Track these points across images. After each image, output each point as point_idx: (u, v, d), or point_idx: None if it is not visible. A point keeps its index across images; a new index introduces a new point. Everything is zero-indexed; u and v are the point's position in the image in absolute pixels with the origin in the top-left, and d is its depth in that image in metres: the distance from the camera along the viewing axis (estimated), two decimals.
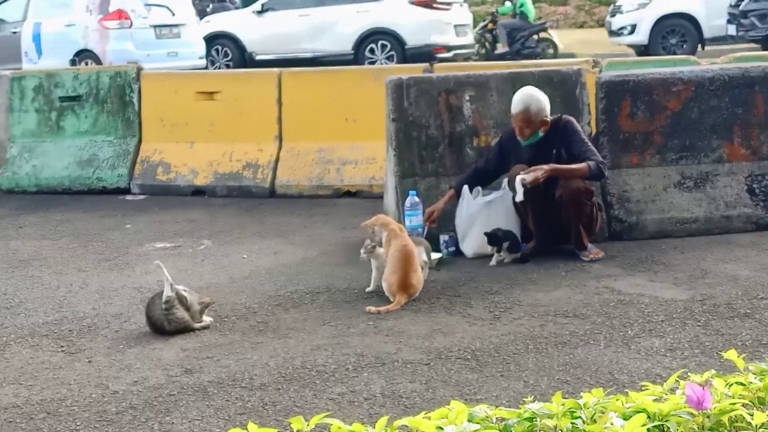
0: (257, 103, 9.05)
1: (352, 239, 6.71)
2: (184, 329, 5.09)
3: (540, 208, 6.32)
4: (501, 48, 20.18)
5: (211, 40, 19.81)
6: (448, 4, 19.37)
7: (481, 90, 7.03)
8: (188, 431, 3.93)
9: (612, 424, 1.80)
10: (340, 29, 19.08)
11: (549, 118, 6.39)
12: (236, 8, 24.05)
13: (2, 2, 19.25)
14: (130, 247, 7.16)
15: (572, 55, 19.69)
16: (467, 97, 7.01)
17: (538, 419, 1.88)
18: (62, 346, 5.02)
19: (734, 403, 1.85)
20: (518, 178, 6.08)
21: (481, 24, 21.73)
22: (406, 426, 1.83)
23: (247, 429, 1.81)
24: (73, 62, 16.94)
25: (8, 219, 8.39)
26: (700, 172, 7.00)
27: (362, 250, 5.72)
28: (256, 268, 6.43)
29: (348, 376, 4.42)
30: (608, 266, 6.14)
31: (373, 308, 5.35)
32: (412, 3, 18.99)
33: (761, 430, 1.78)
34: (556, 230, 6.39)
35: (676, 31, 19.24)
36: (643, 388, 2.02)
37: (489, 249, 6.30)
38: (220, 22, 20.71)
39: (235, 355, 4.77)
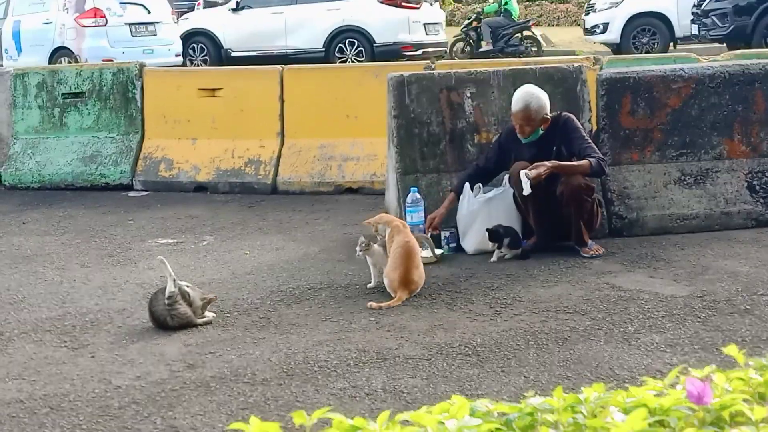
0: (259, 99, 9.06)
1: (354, 235, 6.71)
2: (186, 325, 5.11)
3: (541, 204, 6.33)
4: (485, 46, 20.30)
5: (189, 37, 20.17)
6: (417, 2, 19.56)
7: (482, 87, 7.04)
8: (191, 426, 3.95)
9: (612, 418, 1.81)
10: (311, 27, 19.32)
11: (549, 116, 6.40)
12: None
13: None
14: (133, 243, 7.18)
15: (555, 53, 19.76)
16: (468, 94, 7.02)
17: (539, 414, 1.89)
18: (65, 342, 5.04)
19: (734, 398, 1.86)
20: (522, 172, 6.09)
21: (466, 22, 21.84)
22: (408, 420, 1.84)
23: (249, 424, 1.82)
24: (50, 60, 17.23)
25: (11, 215, 8.41)
26: (700, 168, 7.01)
27: (357, 248, 5.74)
28: (258, 264, 6.45)
29: (350, 372, 4.44)
30: (608, 262, 6.15)
31: (374, 304, 5.37)
32: (381, 2, 19.20)
33: (761, 424, 1.79)
34: (556, 227, 6.41)
35: (648, 30, 19.29)
36: (643, 384, 2.03)
37: (490, 245, 6.31)
38: (198, 19, 21.01)
39: (238, 350, 4.79)
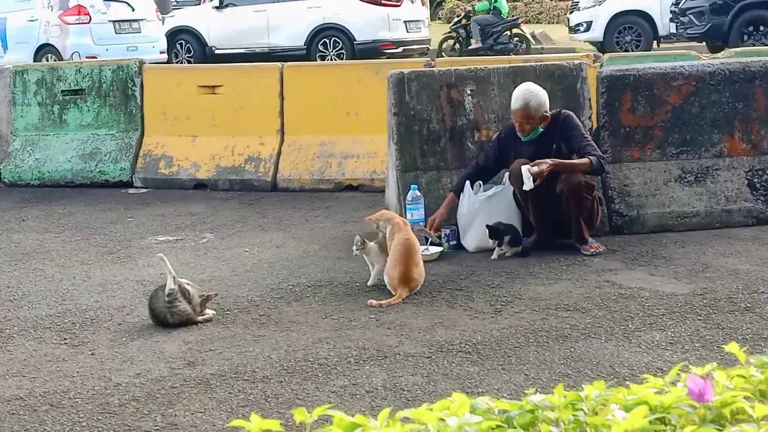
0: (259, 96, 9.06)
1: (354, 233, 6.70)
2: (186, 322, 5.11)
3: (541, 202, 6.33)
4: (474, 43, 20.39)
5: (175, 34, 20.43)
6: (398, 0, 19.65)
7: (483, 84, 7.04)
8: (191, 423, 3.95)
9: (613, 416, 1.80)
10: (293, 25, 19.48)
11: (549, 114, 6.39)
12: None
13: None
14: (133, 241, 7.18)
15: (556, 50, 19.79)
16: (468, 91, 7.01)
17: (540, 411, 1.88)
18: (65, 339, 5.04)
19: (736, 396, 1.86)
20: (524, 167, 6.08)
21: (455, 20, 21.94)
22: (409, 418, 1.84)
23: (249, 421, 1.82)
24: (35, 57, 17.44)
25: (11, 212, 8.41)
26: (700, 166, 7.00)
27: (354, 247, 5.73)
28: (258, 261, 6.45)
29: (350, 369, 4.44)
30: (609, 260, 6.15)
31: (374, 301, 5.37)
32: (362, 0, 19.28)
33: (762, 422, 1.79)
34: (557, 224, 6.40)
35: (631, 28, 19.34)
36: (644, 381, 2.03)
37: (490, 242, 6.31)
38: (183, 17, 21.24)
39: (238, 347, 4.79)
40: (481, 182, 6.61)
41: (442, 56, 19.34)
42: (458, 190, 6.58)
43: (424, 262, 5.75)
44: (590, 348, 4.60)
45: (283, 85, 9.00)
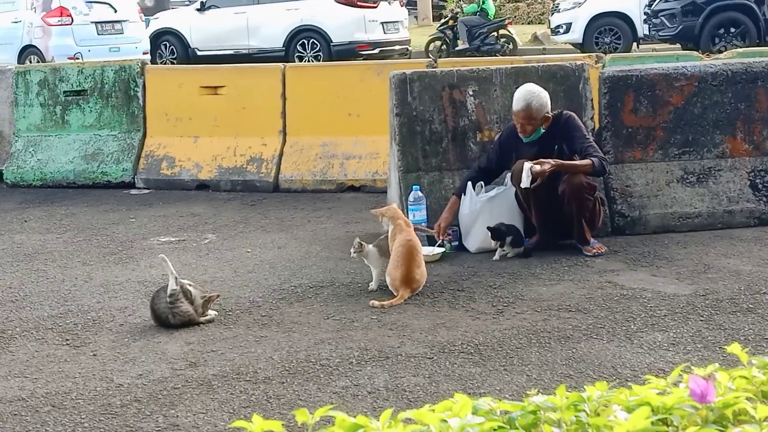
0: (261, 97, 9.06)
1: (356, 234, 6.71)
2: (188, 323, 5.11)
3: (543, 203, 6.32)
4: (461, 44, 20.49)
5: (159, 36, 20.69)
6: (375, 2, 19.79)
7: (485, 85, 7.04)
8: (192, 424, 3.95)
9: (615, 417, 1.80)
10: (272, 27, 19.64)
11: (550, 114, 6.39)
12: None
13: None
14: (135, 241, 7.18)
15: (543, 51, 19.85)
16: (471, 92, 7.01)
17: (542, 412, 1.88)
18: (67, 340, 5.04)
19: (738, 397, 1.85)
20: (527, 165, 6.07)
21: (442, 21, 22.06)
22: (411, 419, 1.84)
23: (251, 422, 1.82)
24: (19, 58, 17.69)
25: (13, 213, 8.41)
26: (702, 167, 7.00)
27: (351, 249, 5.73)
28: (260, 262, 6.45)
29: (352, 370, 4.44)
30: (611, 261, 6.15)
31: (376, 302, 5.37)
32: (337, 1, 19.46)
33: (765, 423, 1.78)
34: (558, 225, 6.40)
35: (611, 30, 19.41)
36: (646, 382, 2.03)
37: (492, 244, 6.31)
38: (167, 19, 21.44)
39: (240, 348, 4.79)
40: (482, 183, 6.61)
41: (429, 57, 19.45)
42: (460, 193, 6.57)
43: (426, 263, 5.74)
44: (592, 349, 4.60)
45: (285, 86, 9.00)
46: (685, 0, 17.00)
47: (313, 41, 19.42)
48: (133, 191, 9.14)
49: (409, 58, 19.59)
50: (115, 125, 9.47)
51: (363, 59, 17.26)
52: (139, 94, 9.38)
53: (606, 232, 6.72)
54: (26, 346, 4.98)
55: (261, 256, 6.59)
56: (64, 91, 9.59)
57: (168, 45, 20.76)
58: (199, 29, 20.42)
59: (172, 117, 9.33)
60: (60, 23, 18.04)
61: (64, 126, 9.60)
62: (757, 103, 7.06)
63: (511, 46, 20.33)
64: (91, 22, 18.38)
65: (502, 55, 18.85)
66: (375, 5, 19.73)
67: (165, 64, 19.88)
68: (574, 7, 19.86)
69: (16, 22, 18.30)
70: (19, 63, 17.11)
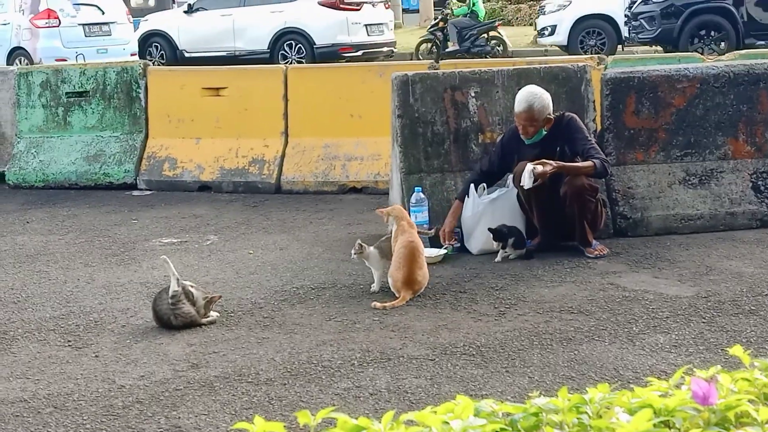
0: (263, 99, 9.06)
1: (358, 235, 6.71)
2: (190, 324, 5.11)
3: (545, 204, 6.32)
4: (451, 46, 20.59)
5: (148, 38, 20.99)
6: (358, 4, 19.94)
7: (487, 86, 7.04)
8: (194, 426, 3.95)
9: (618, 419, 1.80)
10: (257, 29, 19.83)
11: (552, 116, 6.39)
12: None
13: None
14: (137, 243, 7.18)
15: (545, 53, 19.89)
16: (472, 94, 7.01)
17: (544, 414, 1.88)
18: (69, 341, 5.04)
19: (740, 399, 1.85)
20: (529, 166, 6.08)
21: (433, 23, 22.17)
22: (413, 421, 1.84)
23: (253, 423, 1.81)
24: (8, 60, 17.92)
25: (15, 214, 8.42)
26: (704, 168, 7.00)
27: (352, 251, 5.73)
28: (262, 263, 6.45)
29: (353, 372, 4.44)
30: (613, 263, 6.14)
31: (378, 304, 5.37)
32: (321, 4, 19.61)
33: (767, 425, 1.78)
34: (560, 227, 6.40)
35: (595, 32, 19.47)
36: (648, 384, 2.03)
37: (494, 245, 6.30)
38: (156, 21, 21.68)
39: (241, 350, 4.79)
40: (485, 185, 6.60)
41: (419, 59, 19.63)
42: (463, 197, 6.57)
43: (428, 264, 5.74)
44: (594, 351, 4.60)
45: (287, 88, 9.00)
46: (664, 3, 17.10)
47: (297, 43, 19.60)
48: (135, 192, 9.14)
49: (392, 58, 19.82)
50: (117, 126, 9.48)
51: (346, 61, 17.39)
52: (141, 96, 9.38)
53: (608, 233, 6.72)
54: (28, 347, 4.98)
55: (263, 258, 6.59)
56: (66, 93, 9.59)
57: (157, 47, 20.99)
58: (187, 31, 20.63)
59: (174, 118, 9.33)
60: (47, 25, 18.26)
61: (66, 127, 9.60)
62: (759, 105, 7.06)
63: (501, 48, 20.43)
64: (79, 24, 18.60)
65: (492, 57, 18.95)
66: (358, 8, 19.91)
67: (154, 65, 20.09)
68: (559, 10, 19.96)
69: (4, 24, 18.54)
70: (7, 65, 17.25)
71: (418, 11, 30.96)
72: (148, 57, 20.39)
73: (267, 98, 9.05)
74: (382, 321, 5.14)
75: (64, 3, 18.53)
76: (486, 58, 18.44)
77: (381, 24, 20.42)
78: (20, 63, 17.63)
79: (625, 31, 18.35)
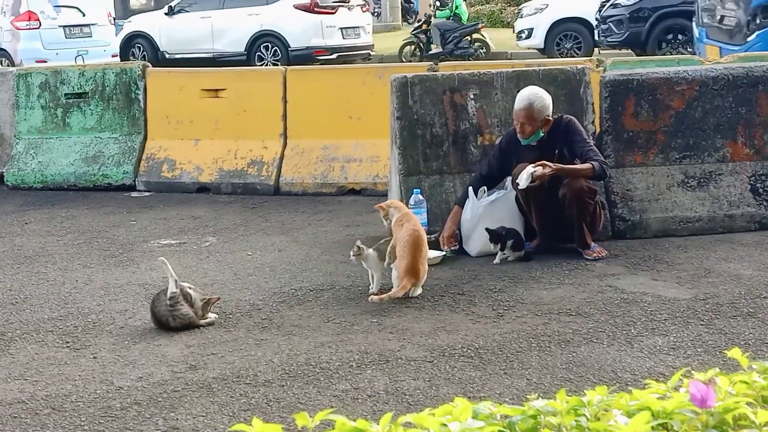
0: (262, 100, 9.06)
1: (357, 237, 6.71)
2: (188, 325, 5.11)
3: (543, 206, 6.33)
4: (434, 48, 20.71)
5: (131, 39, 21.24)
6: (333, 8, 20.10)
7: (486, 88, 7.04)
8: (193, 427, 3.95)
9: (616, 421, 1.80)
10: (234, 31, 20.04)
11: (551, 118, 6.39)
12: None
13: None
14: (135, 244, 7.18)
15: (504, 55, 19.99)
16: (471, 96, 7.01)
17: (542, 416, 1.88)
18: (67, 342, 5.04)
19: (738, 402, 1.85)
20: (530, 167, 6.08)
21: (416, 25, 22.30)
22: (411, 423, 1.84)
23: (251, 425, 1.81)
24: None
25: (14, 215, 8.41)
26: (703, 171, 7.00)
27: (351, 252, 5.73)
28: (261, 265, 6.45)
29: (352, 373, 4.44)
30: (611, 265, 6.14)
31: (376, 297, 5.38)
32: (296, 7, 19.78)
33: (765, 428, 1.78)
34: (559, 229, 6.40)
35: (572, 36, 19.56)
36: (646, 387, 2.03)
37: (492, 247, 6.30)
38: (139, 22, 21.95)
39: (240, 351, 4.79)
40: (485, 188, 6.61)
41: (402, 61, 19.71)
42: (463, 202, 6.57)
43: (429, 265, 5.74)
44: (592, 353, 4.60)
45: (286, 89, 9.00)
46: (632, 6, 17.21)
47: (272, 46, 19.79)
48: (134, 194, 9.14)
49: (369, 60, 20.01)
50: (116, 128, 9.47)
51: (320, 63, 17.51)
52: (140, 97, 9.38)
53: (606, 236, 6.72)
54: (26, 348, 4.98)
55: (261, 259, 6.59)
56: (65, 94, 9.59)
57: (139, 48, 21.22)
58: (168, 33, 20.85)
59: (173, 120, 9.33)
60: (28, 27, 18.47)
61: (65, 128, 9.60)
62: (757, 107, 7.06)
63: (484, 51, 20.54)
64: (59, 26, 18.78)
65: (475, 59, 19.07)
66: (333, 11, 20.08)
67: None
68: (535, 13, 20.11)
69: None
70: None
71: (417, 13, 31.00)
72: (131, 58, 20.63)
73: (266, 100, 9.05)
74: (381, 323, 5.13)
75: (45, 5, 18.76)
76: (469, 60, 18.57)
77: (357, 27, 20.58)
78: (1, 64, 17.80)
79: (596, 34, 18.47)
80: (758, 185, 6.96)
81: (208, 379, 4.44)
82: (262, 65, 19.23)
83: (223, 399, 4.21)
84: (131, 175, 9.27)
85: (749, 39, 11.73)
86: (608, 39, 17.54)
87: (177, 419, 4.02)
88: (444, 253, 6.39)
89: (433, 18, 21.51)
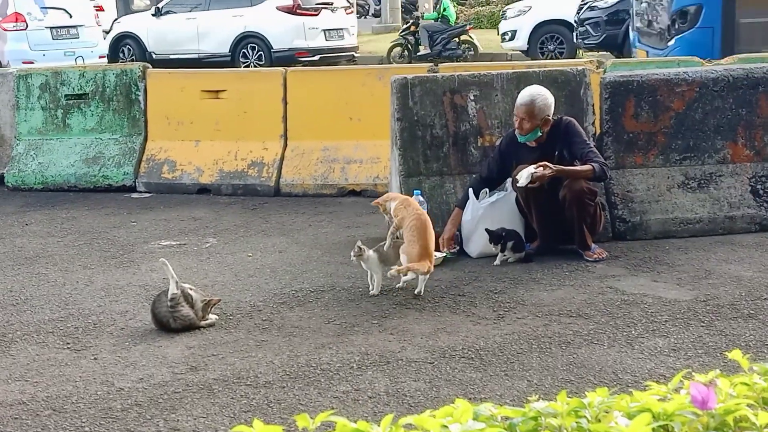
0: (263, 101, 9.06)
1: (357, 238, 6.71)
2: (189, 327, 5.11)
3: (543, 207, 6.33)
4: (423, 50, 20.81)
5: (120, 39, 21.50)
6: (316, 9, 20.24)
7: (486, 90, 7.04)
8: (193, 429, 3.95)
9: (616, 423, 1.80)
10: (219, 32, 20.26)
11: (551, 118, 6.39)
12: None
13: None
14: (136, 245, 7.18)
15: (505, 56, 20.03)
16: (472, 97, 7.02)
17: (543, 418, 1.88)
18: (68, 343, 5.04)
19: (739, 403, 1.85)
20: (531, 167, 6.08)
21: (404, 26, 22.41)
22: (412, 424, 1.84)
23: (252, 427, 1.81)
24: None
25: (14, 216, 8.41)
26: (704, 172, 7.00)
27: (352, 253, 5.73)
28: (261, 266, 6.45)
29: (352, 375, 4.44)
30: (612, 266, 6.15)
31: (396, 269, 5.41)
32: (279, 9, 19.97)
33: (766, 430, 1.78)
34: (559, 230, 6.40)
35: (555, 38, 19.64)
36: (647, 388, 2.03)
37: (493, 249, 6.31)
38: (127, 23, 22.20)
39: (240, 353, 4.79)
40: (487, 189, 6.61)
41: (391, 63, 19.80)
42: (463, 205, 6.57)
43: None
44: (593, 354, 4.60)
45: (286, 90, 9.00)
46: (609, 9, 17.32)
47: (256, 47, 19.96)
48: (134, 195, 9.14)
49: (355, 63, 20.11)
50: (117, 129, 9.48)
51: (303, 65, 17.61)
52: (141, 98, 9.39)
53: (607, 237, 6.72)
54: (27, 349, 4.98)
55: (262, 261, 6.59)
56: (66, 95, 9.59)
57: (128, 49, 21.43)
58: (155, 34, 21.05)
59: (174, 121, 9.33)
60: (15, 28, 18.59)
61: (65, 129, 9.60)
62: (758, 108, 7.06)
63: (472, 52, 20.66)
64: (46, 27, 18.89)
65: (463, 61, 19.13)
66: (316, 13, 20.23)
67: None
68: (519, 15, 20.20)
69: None
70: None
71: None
72: (120, 58, 20.83)
73: (266, 101, 9.05)
74: (381, 324, 5.14)
75: (32, 6, 18.90)
76: (457, 61, 18.65)
77: (341, 29, 20.73)
78: None
79: (574, 37, 18.57)
80: (758, 187, 6.96)
81: (209, 380, 4.44)
82: (245, 66, 19.43)
83: (223, 400, 4.21)
84: (131, 176, 9.27)
85: (669, 44, 11.90)
86: (585, 41, 17.66)
87: (177, 420, 4.02)
88: (444, 254, 6.39)
89: (421, 20, 21.62)
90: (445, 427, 1.79)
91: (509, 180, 6.54)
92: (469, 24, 22.88)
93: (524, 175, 6.07)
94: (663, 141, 7.01)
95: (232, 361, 4.67)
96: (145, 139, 9.40)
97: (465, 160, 6.98)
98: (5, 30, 18.52)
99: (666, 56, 10.53)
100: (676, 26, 11.91)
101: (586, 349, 4.67)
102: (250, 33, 19.95)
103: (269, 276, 6.19)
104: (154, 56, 20.66)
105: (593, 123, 7.05)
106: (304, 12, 19.98)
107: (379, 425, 1.80)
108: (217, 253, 6.87)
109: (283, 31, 19.79)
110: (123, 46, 21.43)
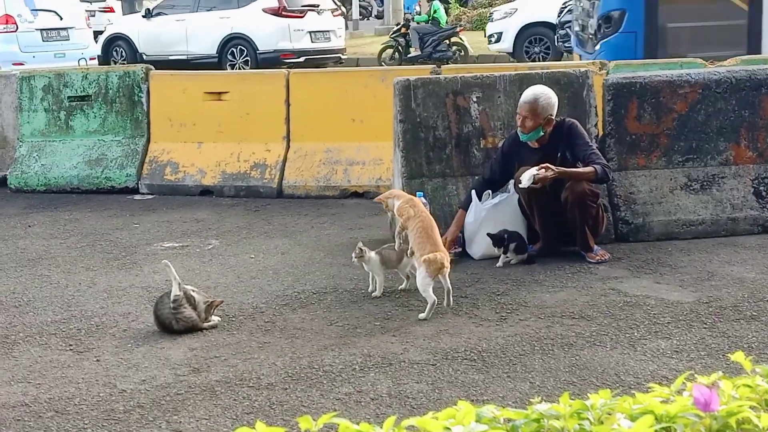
0: (265, 103, 9.07)
1: (360, 240, 6.71)
2: (192, 328, 5.11)
3: (546, 209, 6.33)
4: (413, 52, 20.91)
5: (113, 41, 21.71)
6: (302, 12, 20.38)
7: (489, 91, 7.04)
8: (196, 430, 3.95)
9: (619, 425, 1.80)
10: (206, 34, 20.43)
11: (554, 118, 6.39)
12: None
13: None
14: (138, 247, 7.18)
15: (480, 59, 20.09)
16: (474, 99, 7.02)
17: (546, 420, 1.88)
18: (70, 345, 5.04)
19: (741, 405, 1.85)
20: (533, 169, 6.08)
21: (395, 28, 22.47)
22: (414, 426, 1.84)
23: (254, 428, 1.81)
24: None
25: (17, 218, 8.42)
26: (706, 174, 7.00)
27: (353, 255, 5.73)
28: (264, 268, 6.45)
29: (355, 376, 4.44)
30: (614, 268, 6.14)
31: (430, 255, 5.35)
32: (265, 11, 20.12)
33: None
34: (562, 232, 6.40)
35: (540, 40, 19.68)
36: (649, 390, 2.03)
37: (495, 250, 6.31)
38: (119, 24, 22.51)
39: (243, 354, 4.79)
40: (490, 191, 6.60)
41: (382, 65, 19.88)
42: (466, 207, 6.56)
43: None
44: (595, 356, 4.60)
45: (289, 92, 9.01)
46: None
47: (243, 49, 20.10)
48: (137, 197, 9.14)
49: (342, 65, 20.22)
50: (119, 131, 9.48)
51: (287, 67, 17.70)
52: (143, 100, 9.39)
53: (609, 239, 6.72)
54: (29, 351, 4.98)
55: (264, 262, 6.59)
56: (69, 97, 9.59)
57: (120, 50, 21.60)
58: (146, 35, 21.20)
59: (176, 122, 9.34)
60: (5, 30, 18.70)
61: (68, 131, 9.61)
62: (761, 110, 7.06)
63: (462, 54, 20.73)
64: (36, 29, 18.98)
65: (453, 63, 19.18)
66: (301, 15, 20.34)
67: None
68: (505, 17, 20.27)
69: None
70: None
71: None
72: (112, 60, 20.96)
73: (269, 103, 9.05)
74: (384, 326, 5.14)
75: (22, 8, 18.99)
76: (448, 63, 18.72)
77: (327, 31, 20.83)
78: None
79: (556, 40, 18.63)
80: (761, 188, 6.95)
81: (212, 382, 4.44)
82: (232, 67, 19.57)
83: (226, 402, 4.21)
84: (134, 177, 9.28)
85: (596, 48, 11.97)
86: (566, 44, 17.72)
87: (180, 422, 4.02)
88: None
89: (411, 22, 21.67)
90: (448, 429, 1.79)
91: (512, 182, 6.53)
92: (460, 26, 22.91)
93: (526, 176, 6.07)
94: (666, 143, 7.01)
95: (235, 363, 4.67)
96: (148, 140, 9.40)
97: (468, 161, 6.97)
98: None
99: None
100: (602, 31, 11.98)
101: (588, 350, 4.67)
102: (237, 35, 20.08)
103: (272, 278, 6.19)
104: (144, 57, 20.80)
105: (596, 125, 7.05)
106: (289, 14, 20.11)
107: (381, 427, 1.80)
108: (219, 254, 6.87)
109: (269, 33, 19.92)
110: (115, 47, 21.61)
